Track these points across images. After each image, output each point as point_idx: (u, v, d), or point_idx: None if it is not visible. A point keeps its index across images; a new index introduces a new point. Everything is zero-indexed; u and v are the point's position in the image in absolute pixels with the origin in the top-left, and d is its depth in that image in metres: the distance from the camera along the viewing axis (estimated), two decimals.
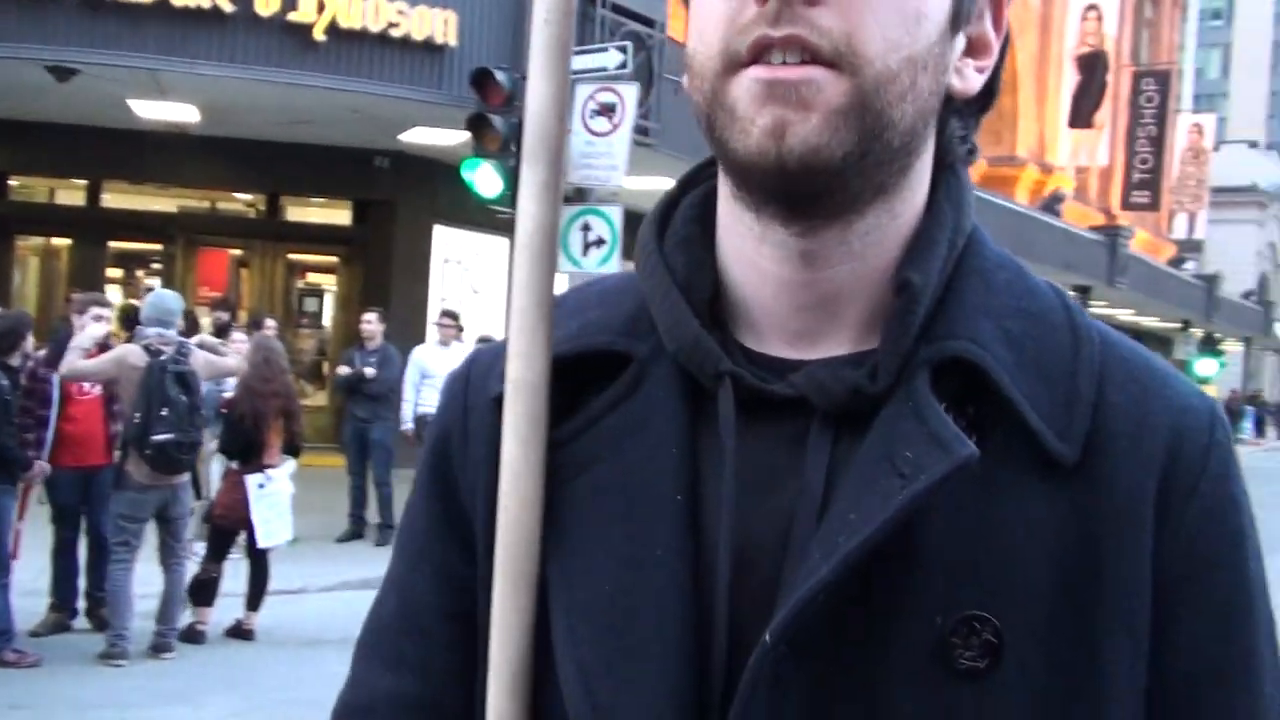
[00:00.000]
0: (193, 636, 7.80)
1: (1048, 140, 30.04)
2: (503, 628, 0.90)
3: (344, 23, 12.00)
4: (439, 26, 12.37)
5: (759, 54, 0.81)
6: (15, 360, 7.39)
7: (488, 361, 0.99)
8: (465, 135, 10.57)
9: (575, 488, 0.90)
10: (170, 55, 11.45)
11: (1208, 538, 0.86)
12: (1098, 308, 28.82)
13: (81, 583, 8.02)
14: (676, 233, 0.96)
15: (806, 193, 0.84)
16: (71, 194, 17.01)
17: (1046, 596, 0.82)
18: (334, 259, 17.63)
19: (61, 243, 17.22)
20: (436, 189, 15.25)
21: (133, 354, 7.34)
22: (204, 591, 7.88)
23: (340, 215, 17.16)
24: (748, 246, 0.90)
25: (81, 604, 8.03)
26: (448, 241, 16.47)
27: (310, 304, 18.04)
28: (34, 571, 8.01)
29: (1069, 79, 30.43)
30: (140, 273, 17.90)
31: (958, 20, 0.88)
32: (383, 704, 0.98)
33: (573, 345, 0.93)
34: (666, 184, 1.04)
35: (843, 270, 0.88)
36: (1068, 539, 0.83)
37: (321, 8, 11.85)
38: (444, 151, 14.04)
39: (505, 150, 9.95)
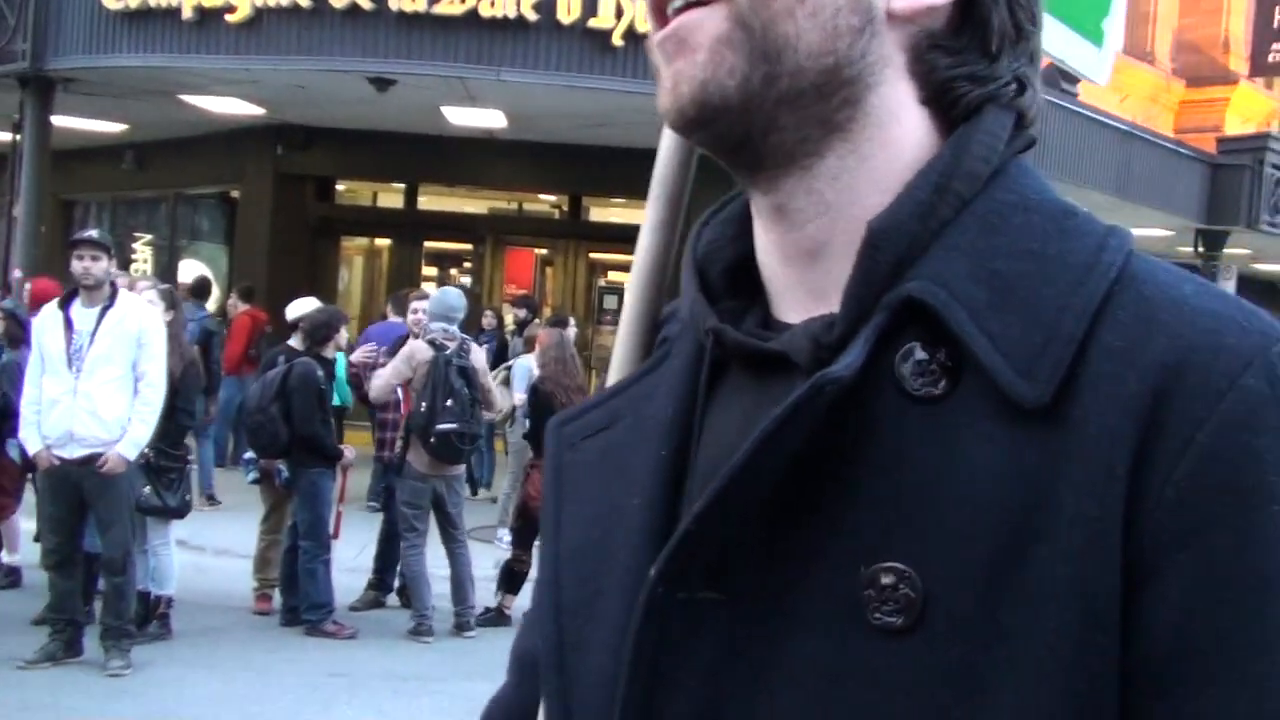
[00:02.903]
0: (499, 619, 8.19)
1: None
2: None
3: (641, 27, 12.23)
4: None
5: (659, 13, 0.85)
6: (329, 353, 7.93)
7: None
8: None
9: (591, 445, 0.97)
10: (479, 64, 11.98)
11: (1204, 496, 0.71)
12: None
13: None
14: (721, 216, 0.99)
15: (720, 135, 0.85)
16: (391, 197, 18.06)
17: (987, 552, 0.73)
18: (634, 258, 17.94)
19: (382, 243, 18.28)
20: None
21: (419, 350, 7.77)
22: (513, 579, 8.25)
23: (639, 215, 17.28)
24: (755, 216, 0.92)
25: (396, 583, 8.54)
26: None
27: (610, 301, 18.50)
28: (354, 549, 8.59)
29: None
30: (454, 271, 18.78)
31: None
32: (516, 658, 1.15)
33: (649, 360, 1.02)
34: None
35: (821, 223, 0.86)
36: (1023, 490, 0.73)
37: (620, 13, 12.13)
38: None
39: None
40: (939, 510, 0.75)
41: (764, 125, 0.84)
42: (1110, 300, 0.76)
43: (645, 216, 1.05)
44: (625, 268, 15.81)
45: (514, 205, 18.64)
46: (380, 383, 7.87)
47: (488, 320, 13.88)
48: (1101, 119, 15.81)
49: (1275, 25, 21.62)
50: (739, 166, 0.88)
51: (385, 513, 8.49)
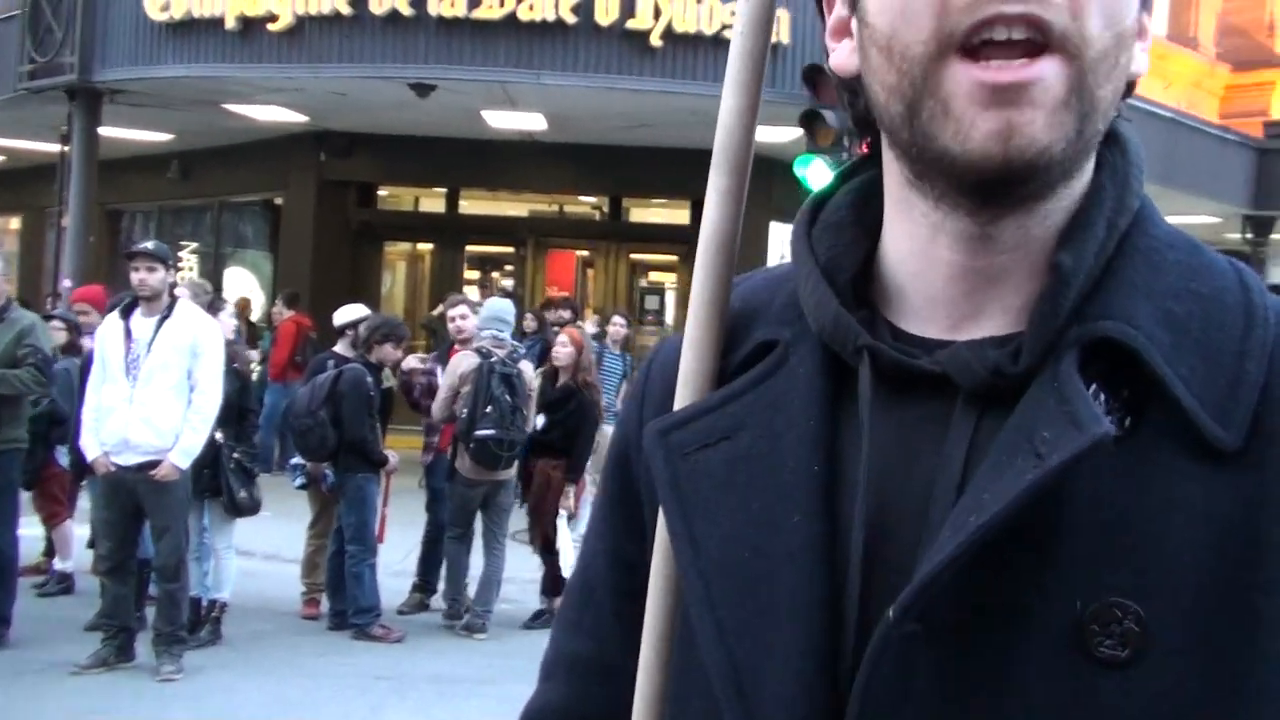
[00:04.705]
0: (549, 621, 8.23)
1: None
2: (656, 593, 0.97)
3: (679, 27, 12.25)
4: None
5: (980, 29, 0.79)
6: (373, 359, 7.97)
7: (669, 354, 1.04)
8: (798, 131, 10.60)
9: (713, 455, 0.92)
10: (518, 68, 12.02)
11: None
12: None
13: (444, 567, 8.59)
14: (826, 219, 0.98)
15: (1015, 184, 0.83)
16: (433, 202, 18.15)
17: (1198, 586, 0.77)
18: (674, 258, 18.04)
19: (425, 247, 18.38)
20: (772, 186, 15.31)
21: (463, 361, 7.84)
22: (557, 584, 8.30)
23: (679, 215, 17.52)
24: (920, 233, 0.90)
25: (441, 585, 8.56)
26: (783, 238, 16.47)
27: (652, 302, 18.52)
28: (400, 553, 8.64)
29: None
30: (495, 274, 18.83)
31: (1145, 1, 0.86)
32: (564, 662, 1.12)
33: (733, 357, 0.98)
34: None
35: (1016, 254, 0.87)
36: (1226, 528, 0.78)
37: (658, 13, 12.14)
38: (778, 148, 14.09)
39: (838, 145, 9.92)
40: (1150, 545, 0.78)
41: (1045, 180, 0.84)
42: (1277, 346, 0.82)
43: (710, 184, 1.00)
44: (666, 268, 15.65)
45: (554, 207, 18.69)
46: (437, 404, 7.96)
47: (529, 323, 13.90)
48: (1145, 106, 15.65)
49: None
50: (987, 206, 0.85)
51: (429, 515, 8.55)
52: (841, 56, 0.93)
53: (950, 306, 0.90)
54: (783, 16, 12.46)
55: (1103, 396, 0.81)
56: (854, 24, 0.90)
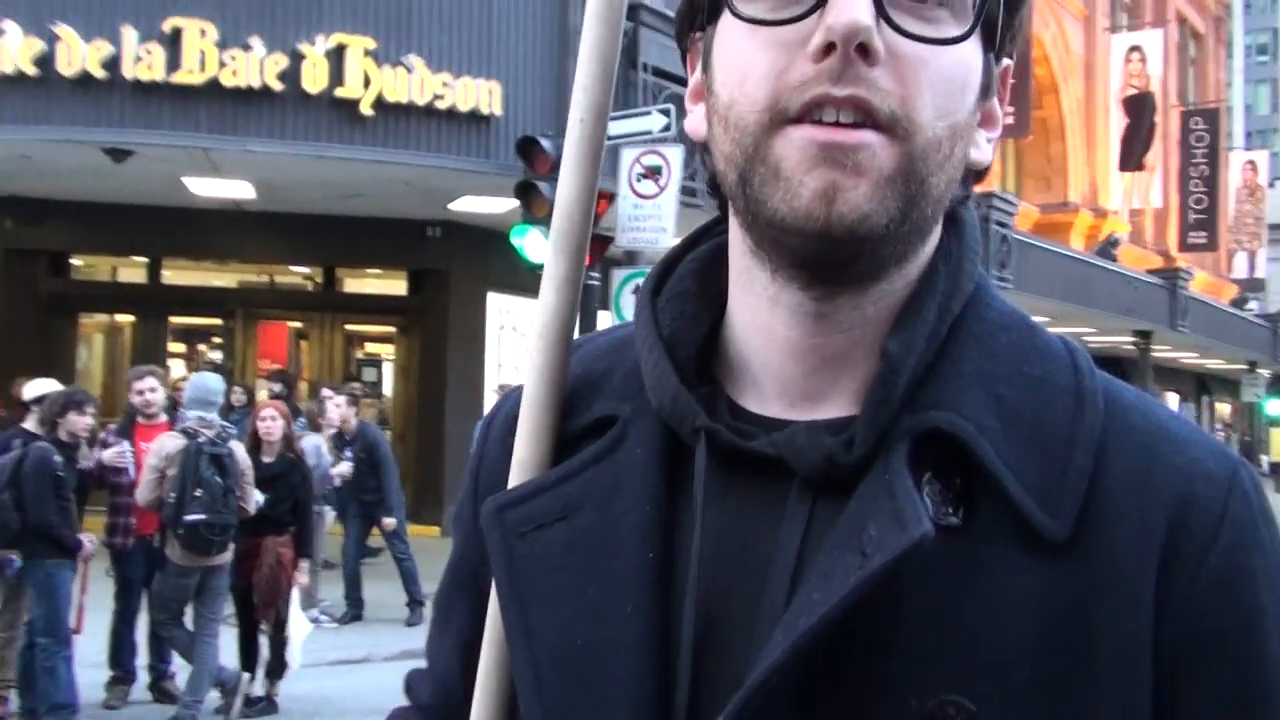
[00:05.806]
0: (269, 708, 7.92)
1: (1099, 184, 29.80)
2: (486, 672, 0.95)
3: (390, 96, 12.18)
4: (484, 97, 12.53)
5: (810, 111, 0.80)
6: (63, 435, 7.47)
7: (507, 414, 1.02)
8: (514, 202, 10.68)
9: (550, 536, 0.90)
10: (222, 134, 11.66)
11: (1216, 618, 0.80)
12: (1160, 352, 28.43)
13: (144, 657, 8.09)
14: (671, 288, 0.97)
15: (842, 259, 0.83)
16: (133, 272, 17.32)
17: (1029, 679, 0.77)
18: (391, 329, 17.80)
19: (124, 319, 17.50)
20: (488, 256, 15.38)
21: (167, 442, 7.45)
22: (282, 668, 8.02)
23: (395, 285, 17.33)
24: (759, 307, 0.89)
25: (145, 678, 8.08)
26: (501, 308, 16.58)
27: (369, 374, 18.18)
28: (100, 643, 8.10)
29: (1117, 122, 30.20)
30: (202, 347, 18.14)
31: (986, 92, 0.88)
32: None
33: (571, 425, 0.96)
34: None
35: (853, 334, 0.87)
36: (1055, 618, 0.78)
37: (368, 82, 12.04)
38: (494, 219, 14.18)
39: (552, 216, 10.05)
40: (981, 640, 0.78)
41: (869, 253, 0.83)
42: (1106, 431, 0.83)
43: (547, 270, 0.99)
44: (382, 339, 15.29)
45: (265, 278, 18.16)
46: (141, 490, 7.47)
47: (237, 397, 13.36)
48: None
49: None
50: (820, 281, 0.85)
51: (119, 602, 8.05)
52: (694, 121, 0.93)
53: (790, 385, 0.89)
54: (495, 89, 12.58)
55: (938, 486, 0.81)
56: (706, 90, 0.91)
